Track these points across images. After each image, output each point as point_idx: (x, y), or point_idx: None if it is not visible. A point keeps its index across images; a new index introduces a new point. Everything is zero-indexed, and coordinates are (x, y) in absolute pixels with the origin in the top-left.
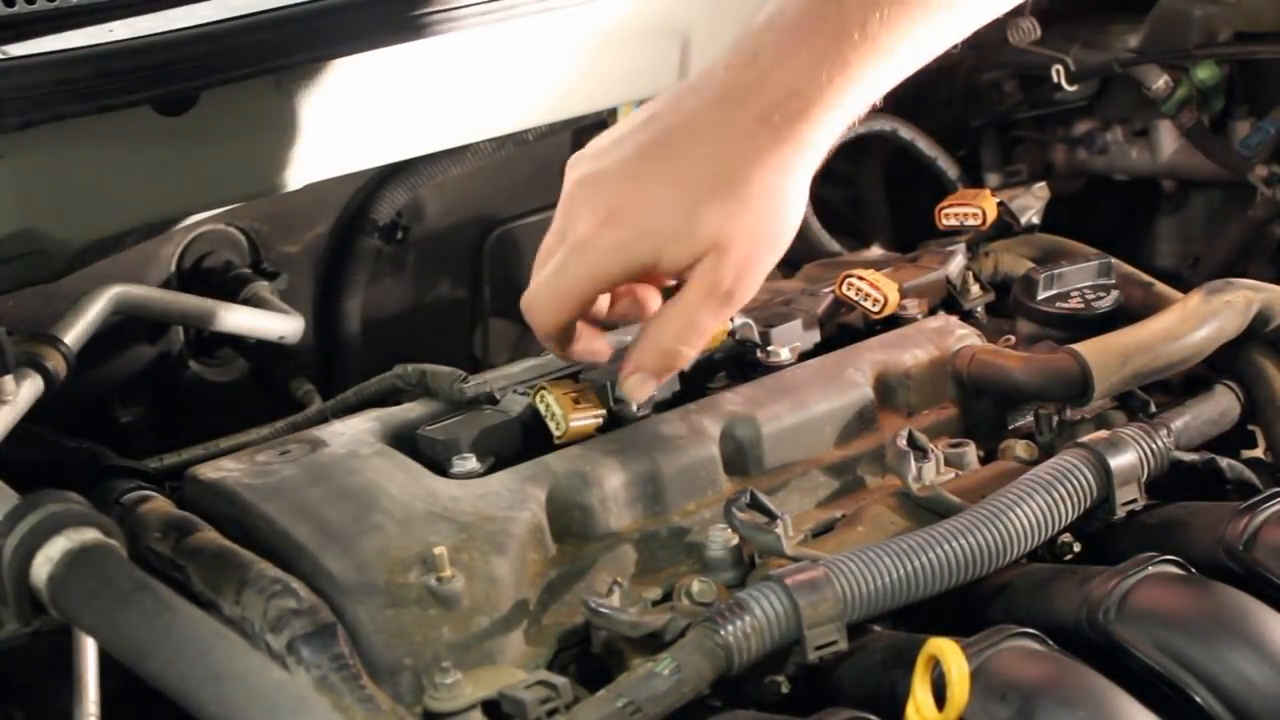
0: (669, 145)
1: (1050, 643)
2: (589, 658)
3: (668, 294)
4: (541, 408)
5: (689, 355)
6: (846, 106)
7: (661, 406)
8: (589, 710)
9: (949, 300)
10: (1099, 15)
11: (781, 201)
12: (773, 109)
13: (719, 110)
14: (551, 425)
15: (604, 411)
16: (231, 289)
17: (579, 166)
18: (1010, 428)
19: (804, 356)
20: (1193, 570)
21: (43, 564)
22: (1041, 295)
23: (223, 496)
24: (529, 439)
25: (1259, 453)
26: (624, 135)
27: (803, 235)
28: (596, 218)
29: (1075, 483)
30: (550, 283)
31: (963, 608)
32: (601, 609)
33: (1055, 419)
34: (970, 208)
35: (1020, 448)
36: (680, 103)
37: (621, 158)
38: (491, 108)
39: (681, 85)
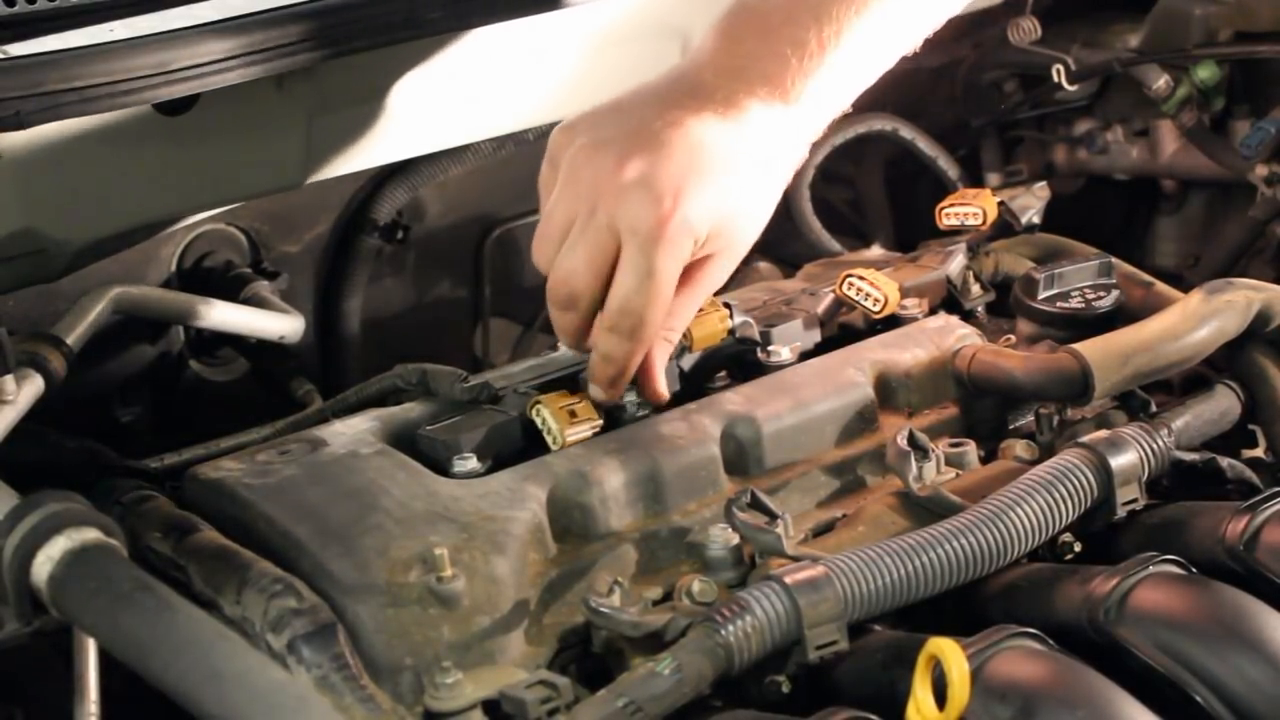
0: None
1: (1051, 643)
2: (589, 657)
3: None
4: (538, 421)
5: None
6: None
7: (662, 406)
8: (589, 710)
9: (949, 300)
10: (1099, 15)
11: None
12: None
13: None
14: (548, 440)
15: (600, 422)
16: (232, 289)
17: (581, 136)
18: (1011, 427)
19: (804, 356)
20: (1193, 570)
21: (43, 563)
22: (1042, 295)
23: (223, 496)
24: (530, 438)
25: (1259, 452)
26: (617, 112)
27: (803, 235)
28: (659, 203)
29: (1076, 482)
30: (646, 286)
31: (963, 608)
32: (602, 609)
33: (1056, 419)
34: (970, 207)
35: (1021, 447)
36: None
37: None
38: (491, 108)
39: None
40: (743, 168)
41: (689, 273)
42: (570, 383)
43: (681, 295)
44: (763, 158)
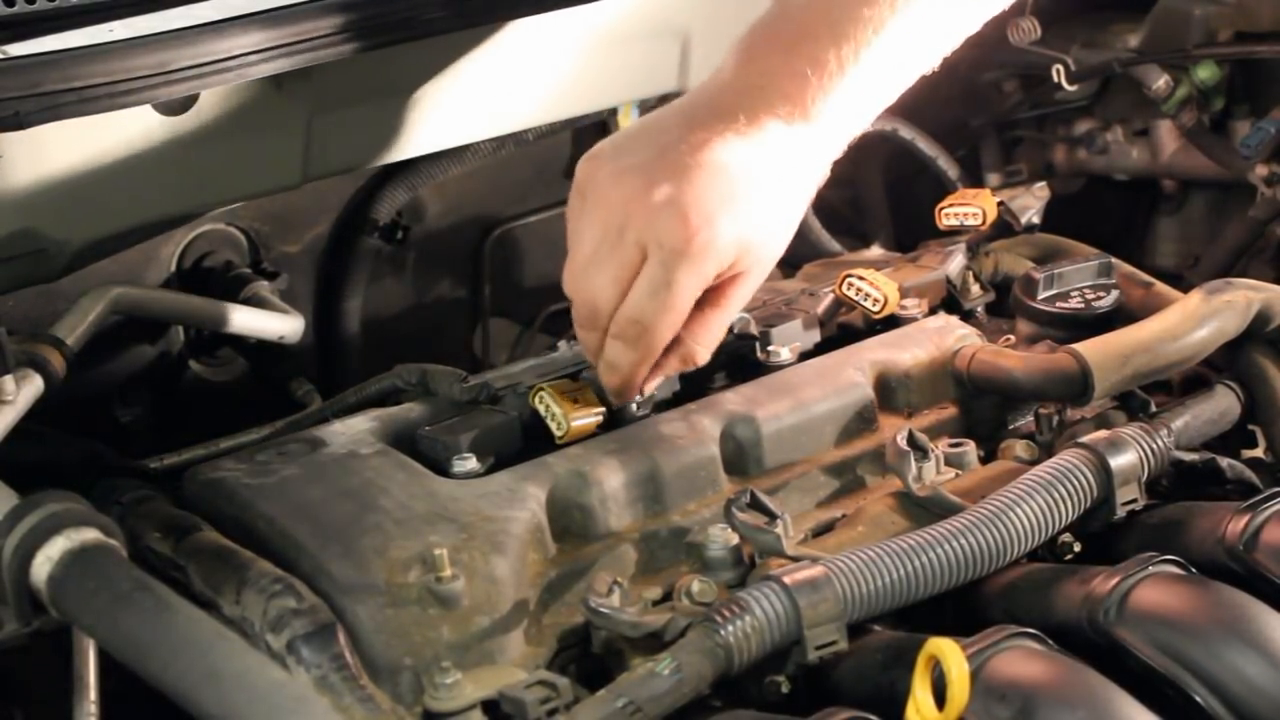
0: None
1: (1050, 643)
2: (589, 658)
3: None
4: (541, 409)
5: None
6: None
7: (661, 406)
8: (589, 710)
9: (949, 300)
10: (1099, 15)
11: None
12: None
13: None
14: (553, 426)
15: (603, 409)
16: (231, 289)
17: (608, 163)
18: (1010, 428)
19: (804, 356)
20: (1193, 570)
21: (43, 564)
22: (1041, 295)
23: (223, 496)
24: (529, 439)
25: (1259, 452)
26: (647, 132)
27: (803, 235)
28: (688, 223)
29: (1075, 483)
30: (661, 297)
31: (963, 608)
32: (601, 609)
33: (1055, 419)
34: (970, 207)
35: (1020, 448)
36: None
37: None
38: (491, 108)
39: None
40: (766, 187)
41: (717, 292)
42: (567, 380)
43: (711, 315)
44: (785, 176)
